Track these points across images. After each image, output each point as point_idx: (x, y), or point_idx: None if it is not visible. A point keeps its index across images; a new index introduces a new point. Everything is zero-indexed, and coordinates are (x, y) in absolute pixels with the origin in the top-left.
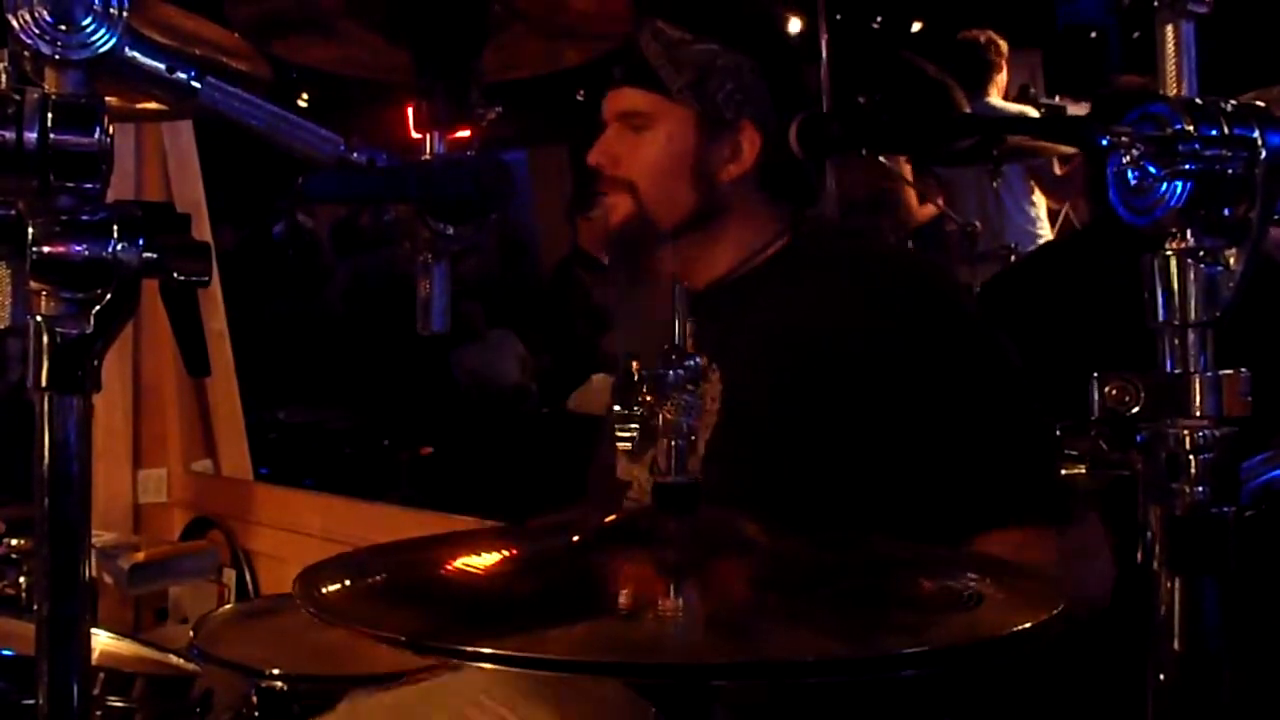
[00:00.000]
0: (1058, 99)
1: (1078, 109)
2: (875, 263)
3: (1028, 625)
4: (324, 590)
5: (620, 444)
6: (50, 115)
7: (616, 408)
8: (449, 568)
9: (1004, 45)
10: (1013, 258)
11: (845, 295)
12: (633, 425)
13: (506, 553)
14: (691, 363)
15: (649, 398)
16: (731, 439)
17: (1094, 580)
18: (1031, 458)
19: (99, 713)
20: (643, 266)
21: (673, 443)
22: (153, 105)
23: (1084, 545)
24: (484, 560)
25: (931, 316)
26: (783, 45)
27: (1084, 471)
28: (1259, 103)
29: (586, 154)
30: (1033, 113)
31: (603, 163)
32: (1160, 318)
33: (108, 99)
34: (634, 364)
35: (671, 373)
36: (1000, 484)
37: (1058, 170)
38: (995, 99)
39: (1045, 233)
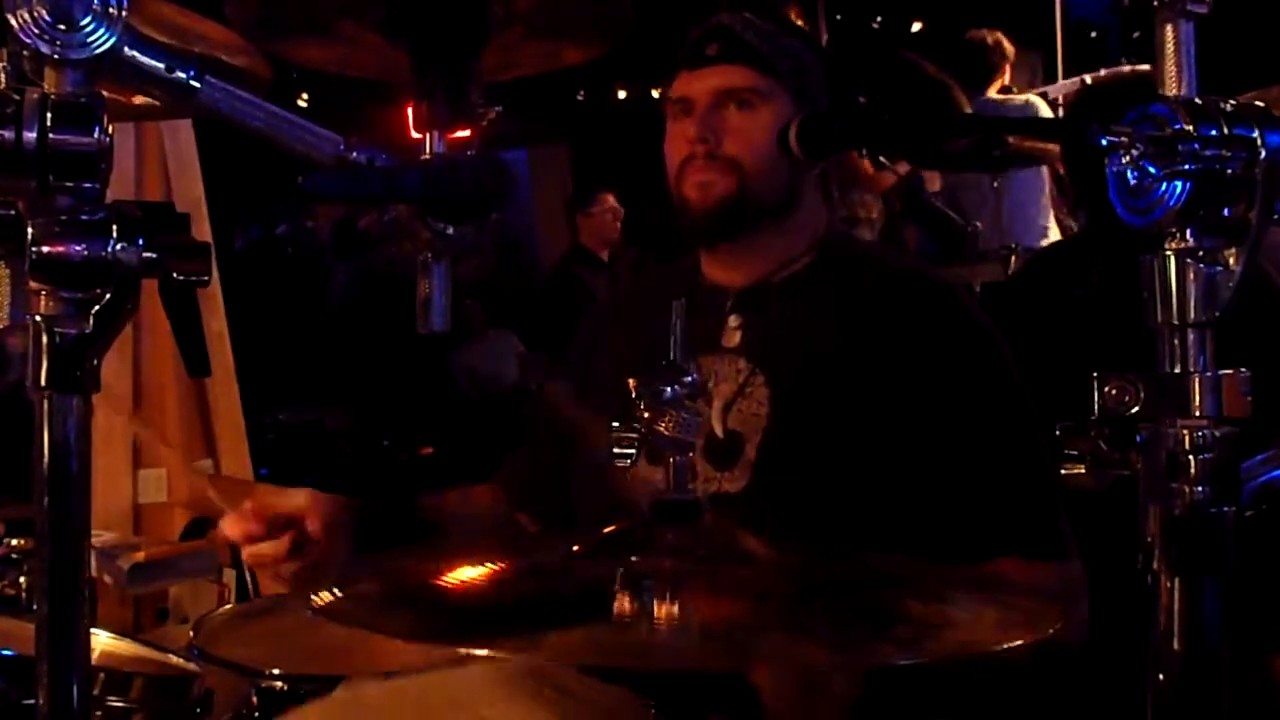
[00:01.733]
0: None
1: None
2: (907, 281)
3: (1019, 643)
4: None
5: (619, 461)
6: (49, 115)
7: (615, 425)
8: (447, 574)
9: (1010, 49)
10: (1013, 258)
11: (880, 312)
12: (632, 442)
13: (505, 563)
14: (689, 378)
15: (646, 414)
16: (779, 446)
17: (1080, 616)
18: (1035, 489)
19: (99, 713)
20: (682, 262)
21: (672, 459)
22: (151, 101)
23: (1070, 583)
24: (482, 570)
25: (960, 342)
26: (842, 48)
27: (1084, 471)
28: (1259, 103)
29: (689, 128)
30: (1043, 108)
31: (707, 136)
32: (1159, 318)
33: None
34: (631, 380)
35: (668, 389)
36: (1006, 512)
37: None
38: (994, 96)
39: (1055, 231)
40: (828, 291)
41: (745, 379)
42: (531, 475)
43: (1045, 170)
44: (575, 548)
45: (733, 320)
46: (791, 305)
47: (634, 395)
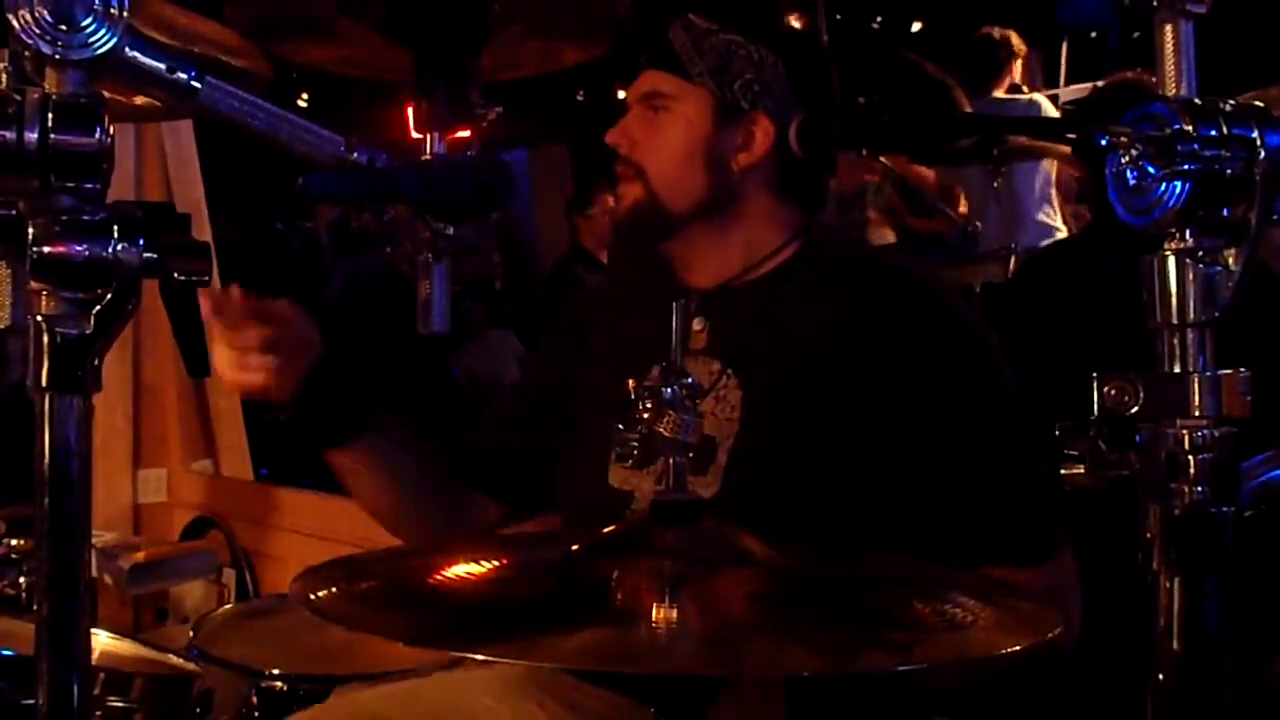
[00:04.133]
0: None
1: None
2: (892, 281)
3: (1017, 648)
4: (320, 594)
5: (618, 461)
6: (51, 115)
7: (620, 427)
8: (446, 574)
9: (1020, 46)
10: (1013, 259)
11: (863, 313)
12: (632, 442)
13: (503, 561)
14: (689, 380)
15: (646, 415)
16: (753, 451)
17: (1067, 619)
18: (1022, 490)
19: (99, 713)
20: (650, 257)
21: (671, 460)
22: (152, 102)
23: (1059, 585)
24: (480, 567)
25: (946, 342)
26: (811, 45)
27: (1084, 471)
28: (1258, 103)
29: (607, 135)
30: (1048, 108)
31: (621, 143)
32: (1159, 318)
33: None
34: (630, 381)
35: (669, 389)
36: (988, 514)
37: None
38: (998, 95)
39: (1062, 231)
40: (807, 291)
41: (716, 380)
42: (494, 445)
43: (1045, 167)
44: (573, 548)
45: (697, 323)
46: (766, 305)
47: (634, 396)
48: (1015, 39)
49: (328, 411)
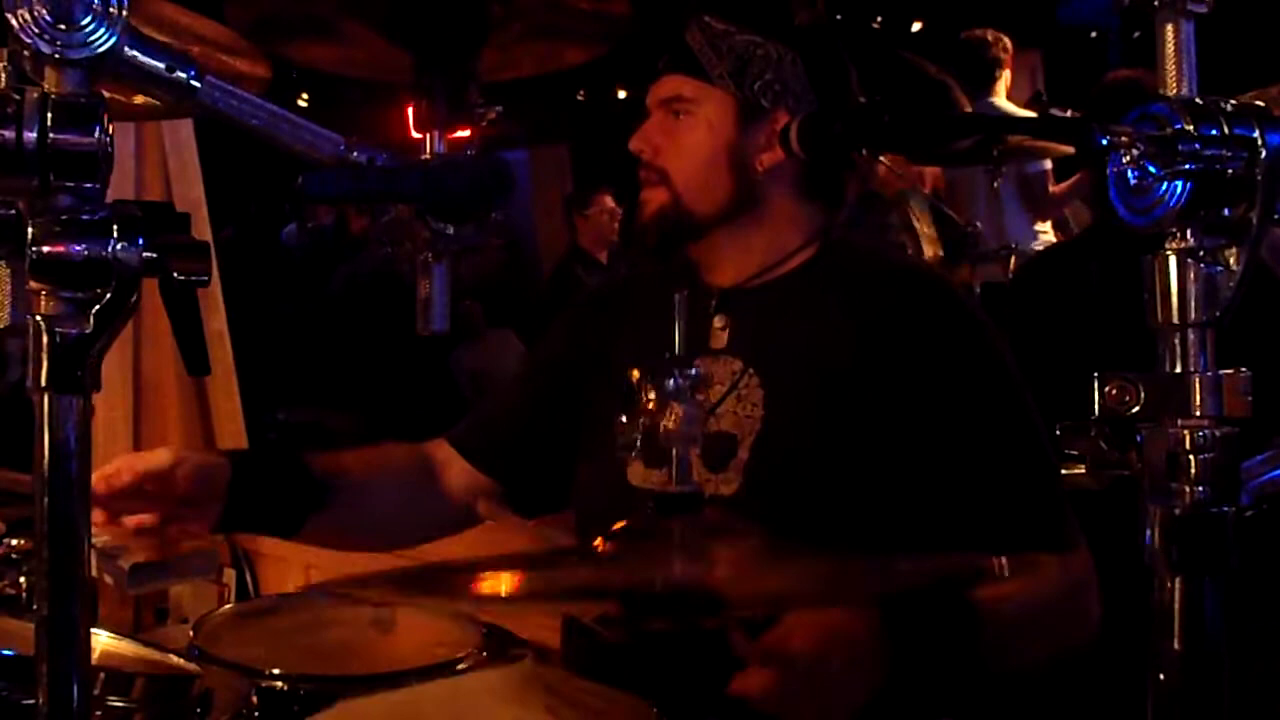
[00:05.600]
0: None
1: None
2: (908, 280)
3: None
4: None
5: (622, 452)
6: (50, 114)
7: (622, 418)
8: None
9: (1009, 44)
10: (1013, 258)
11: (880, 312)
12: (635, 434)
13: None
14: (692, 371)
15: (651, 406)
16: (775, 448)
17: (1092, 610)
18: (1041, 484)
19: (99, 713)
20: (676, 261)
21: (674, 451)
22: (151, 101)
23: (1081, 577)
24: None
25: (960, 340)
26: (827, 40)
27: (1084, 471)
28: (1259, 103)
29: (629, 142)
30: None
31: (643, 149)
32: (1160, 318)
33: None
34: (634, 372)
35: (672, 381)
36: (1011, 509)
37: (1052, 187)
38: (1000, 99)
39: (1048, 232)
40: (825, 290)
41: (737, 378)
42: (495, 416)
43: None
44: (597, 543)
45: (718, 321)
46: (785, 304)
47: (637, 388)
48: (1004, 38)
49: (260, 528)
